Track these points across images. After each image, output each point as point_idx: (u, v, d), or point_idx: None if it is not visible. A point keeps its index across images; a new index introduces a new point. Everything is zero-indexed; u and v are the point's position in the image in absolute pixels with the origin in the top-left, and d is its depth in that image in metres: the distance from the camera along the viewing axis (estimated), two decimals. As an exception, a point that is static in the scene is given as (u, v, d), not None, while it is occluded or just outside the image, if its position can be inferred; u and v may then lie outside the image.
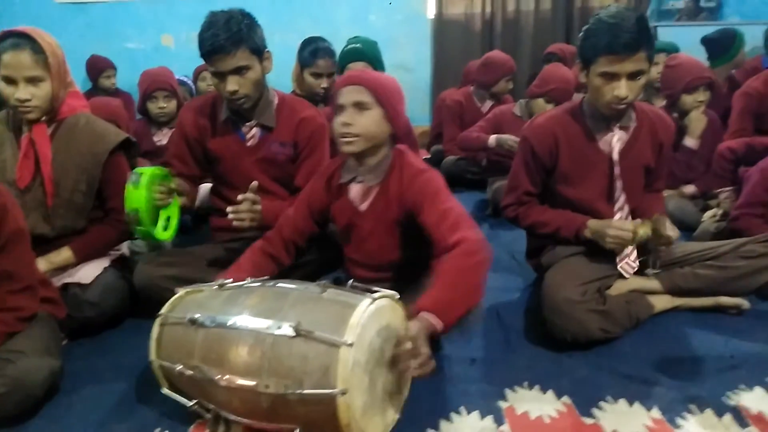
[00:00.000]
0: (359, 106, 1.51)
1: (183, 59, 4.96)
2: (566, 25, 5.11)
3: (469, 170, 3.65)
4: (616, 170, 1.87)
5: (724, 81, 3.74)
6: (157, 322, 1.43)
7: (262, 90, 1.97)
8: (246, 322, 1.28)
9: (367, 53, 2.48)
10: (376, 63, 2.49)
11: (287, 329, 1.23)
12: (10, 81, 1.79)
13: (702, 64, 2.79)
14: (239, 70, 1.85)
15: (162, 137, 3.07)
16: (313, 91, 2.92)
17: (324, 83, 2.87)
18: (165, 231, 1.91)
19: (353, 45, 2.51)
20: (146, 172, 1.81)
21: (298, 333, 1.22)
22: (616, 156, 1.86)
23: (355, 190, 1.64)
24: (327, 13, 5.10)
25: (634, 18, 1.68)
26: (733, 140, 2.64)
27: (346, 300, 1.29)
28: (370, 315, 1.24)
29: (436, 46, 5.15)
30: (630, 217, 1.92)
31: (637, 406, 1.46)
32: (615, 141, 1.86)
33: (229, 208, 1.78)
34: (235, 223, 1.78)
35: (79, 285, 1.86)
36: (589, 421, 1.42)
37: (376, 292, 1.33)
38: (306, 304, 1.30)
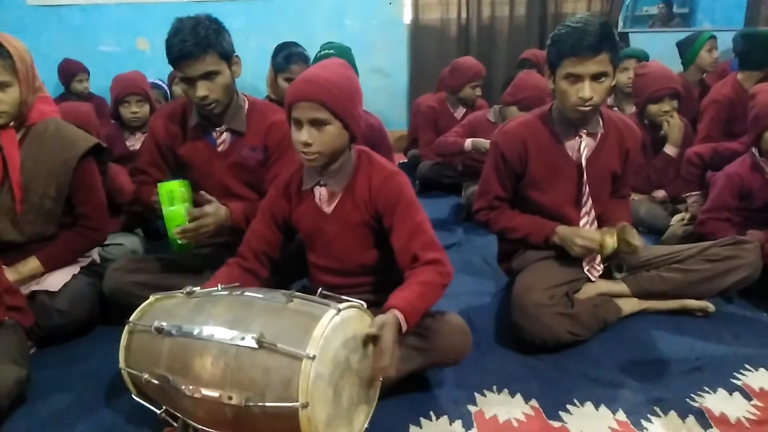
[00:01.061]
0: (317, 123, 1.46)
1: (159, 62, 4.83)
2: (540, 31, 5.16)
3: (445, 174, 3.65)
4: (584, 176, 1.90)
5: (696, 85, 3.81)
6: (126, 329, 1.43)
7: (232, 95, 1.97)
8: (211, 332, 1.28)
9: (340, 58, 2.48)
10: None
11: (250, 341, 1.22)
12: (-24, 87, 1.77)
13: (670, 73, 2.82)
14: (208, 75, 1.85)
15: (135, 142, 3.04)
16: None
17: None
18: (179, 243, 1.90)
19: (326, 51, 2.52)
20: (174, 187, 1.82)
21: (261, 345, 1.21)
22: (584, 161, 1.89)
23: (319, 193, 1.63)
24: (303, 18, 5.09)
25: (597, 23, 1.73)
26: (701, 146, 2.69)
27: (311, 311, 1.28)
28: (335, 326, 1.24)
29: (412, 51, 5.16)
30: (596, 223, 1.96)
31: (603, 408, 1.49)
32: (582, 147, 1.89)
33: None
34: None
35: (47, 292, 1.84)
36: (556, 424, 1.45)
37: (344, 302, 1.34)
38: (271, 314, 1.30)
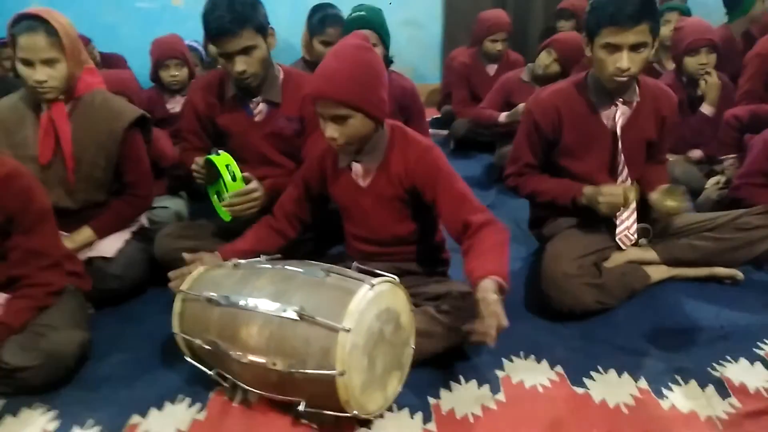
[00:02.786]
0: (338, 118, 1.50)
1: (193, 19, 4.87)
2: (581, -21, 5.00)
3: (480, 133, 3.65)
4: (619, 144, 1.92)
5: (741, 37, 3.69)
6: (179, 297, 1.54)
7: (268, 67, 2.02)
8: (256, 303, 1.38)
9: (372, 21, 2.48)
10: (382, 30, 2.50)
11: (292, 313, 1.32)
12: (28, 63, 1.85)
13: (707, 26, 2.76)
14: (246, 50, 1.89)
15: (175, 104, 3.13)
16: (322, 58, 2.94)
17: (333, 50, 2.89)
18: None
19: (358, 13, 2.51)
20: (230, 161, 1.90)
21: (302, 317, 1.31)
22: (619, 130, 1.90)
23: (355, 168, 1.68)
24: (337, -30, 5.03)
25: None
26: (739, 108, 2.64)
27: (347, 286, 1.37)
28: (369, 301, 1.33)
29: (446, 2, 5.07)
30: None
31: (625, 376, 1.56)
32: (618, 115, 1.89)
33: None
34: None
35: (103, 258, 1.97)
36: (579, 390, 1.52)
37: (378, 276, 1.42)
38: (310, 288, 1.39)
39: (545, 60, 3.13)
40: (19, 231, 1.63)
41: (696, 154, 2.89)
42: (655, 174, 2.03)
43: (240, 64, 1.90)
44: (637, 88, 1.91)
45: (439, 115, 4.64)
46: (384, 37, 2.51)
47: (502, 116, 3.20)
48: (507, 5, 5.03)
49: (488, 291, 1.33)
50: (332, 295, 1.36)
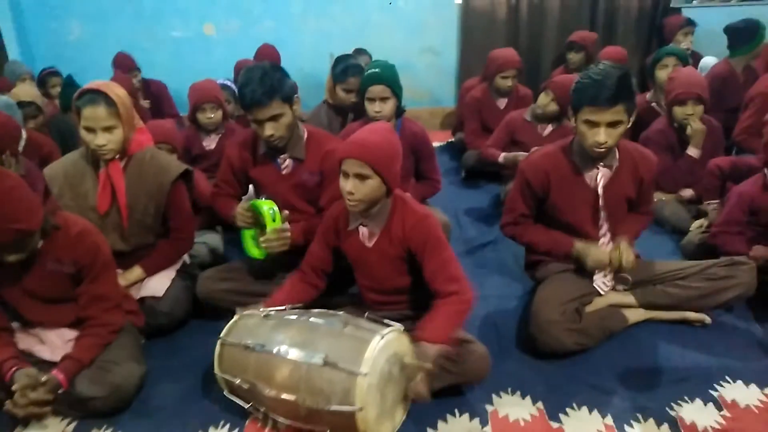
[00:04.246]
0: (360, 177, 1.79)
1: (223, 46, 5.29)
2: (591, 12, 5.23)
3: (489, 164, 3.88)
4: (600, 202, 2.18)
5: (742, 71, 3.88)
6: (219, 342, 1.86)
7: (293, 129, 2.32)
8: (287, 350, 1.70)
9: (385, 77, 2.76)
10: (394, 85, 2.78)
11: (318, 360, 1.63)
12: (90, 130, 2.17)
13: (697, 79, 2.98)
14: (274, 118, 2.20)
15: (210, 142, 3.46)
16: (344, 103, 3.27)
17: (353, 98, 3.20)
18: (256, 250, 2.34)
19: (373, 70, 2.79)
20: (273, 206, 2.25)
21: (326, 363, 1.62)
22: (600, 191, 2.17)
23: (362, 231, 1.97)
24: (358, 0, 5.31)
25: (616, 76, 1.95)
26: (722, 158, 2.88)
27: (362, 336, 1.68)
28: (380, 348, 1.63)
29: (462, 31, 5.34)
30: (613, 237, 2.24)
31: (595, 413, 1.84)
32: (599, 178, 2.16)
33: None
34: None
35: (153, 297, 2.30)
36: (555, 425, 1.80)
37: (386, 326, 1.72)
38: (331, 338, 1.70)
39: (544, 100, 3.38)
40: (87, 279, 1.95)
41: (687, 193, 3.13)
42: (627, 224, 2.27)
43: (269, 129, 2.21)
44: (617, 152, 2.16)
45: (452, 140, 4.91)
46: (396, 90, 2.80)
47: (501, 157, 3.49)
48: (520, 36, 5.28)
49: (423, 356, 1.65)
50: (350, 345, 1.66)
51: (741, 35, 3.84)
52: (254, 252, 2.33)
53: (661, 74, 3.59)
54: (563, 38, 4.90)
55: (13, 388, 1.77)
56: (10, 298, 1.94)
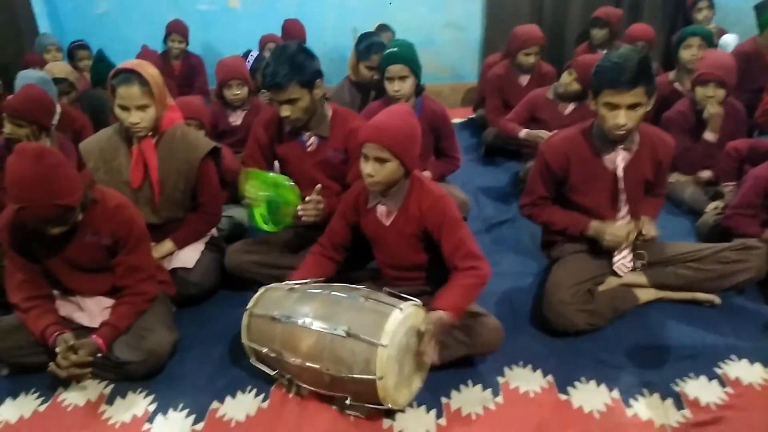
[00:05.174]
0: (380, 160, 1.86)
1: (248, 20, 5.34)
2: (617, -14, 5.16)
3: (509, 142, 3.92)
4: (620, 184, 2.23)
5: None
6: (246, 313, 1.97)
7: (312, 111, 2.39)
8: (311, 322, 1.81)
9: (403, 56, 2.81)
10: (413, 64, 2.83)
11: (341, 331, 1.74)
12: (124, 108, 2.27)
13: (722, 61, 2.97)
14: (290, 101, 2.29)
15: (236, 118, 3.55)
16: (366, 80, 3.33)
17: (376, 75, 3.26)
18: (266, 224, 2.37)
19: (392, 49, 2.84)
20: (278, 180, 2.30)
21: (349, 334, 1.73)
22: (620, 173, 2.21)
23: (380, 209, 2.06)
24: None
25: (636, 59, 1.98)
26: (740, 140, 2.89)
27: (382, 310, 1.78)
28: (399, 322, 1.73)
29: (487, 6, 5.30)
30: (631, 218, 2.30)
31: (602, 387, 1.92)
32: (619, 160, 2.20)
33: (299, 208, 2.27)
34: (303, 219, 2.28)
35: (184, 268, 2.42)
36: (563, 397, 1.90)
37: (405, 300, 1.82)
38: (353, 311, 1.80)
39: (566, 79, 3.40)
40: (123, 251, 2.07)
41: (705, 174, 3.15)
42: (647, 205, 2.34)
43: (284, 111, 2.31)
44: (637, 135, 2.20)
45: (474, 116, 4.93)
46: (415, 69, 2.85)
47: (522, 132, 3.52)
48: (544, 11, 5.24)
49: (432, 322, 1.72)
50: (371, 318, 1.76)
51: (764, 8, 3.80)
52: (265, 226, 2.35)
53: (685, 54, 3.57)
54: (588, 14, 4.84)
55: (57, 350, 1.91)
56: (52, 267, 2.07)
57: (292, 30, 4.60)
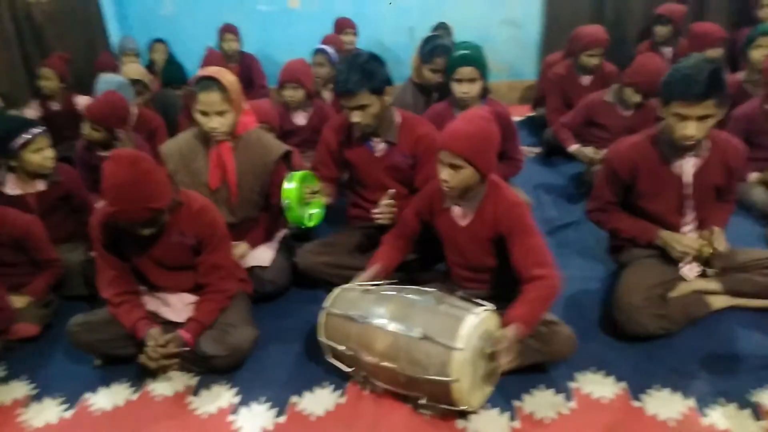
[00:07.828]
0: (454, 166, 1.90)
1: (307, 19, 5.44)
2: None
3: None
4: (688, 191, 2.22)
5: None
6: (323, 312, 2.04)
7: (381, 117, 2.45)
8: (387, 323, 1.88)
9: (474, 59, 2.83)
10: (482, 67, 2.85)
11: (417, 333, 1.80)
12: (204, 114, 2.38)
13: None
14: (360, 107, 2.36)
15: (299, 118, 3.64)
16: (429, 83, 3.37)
17: (439, 78, 3.29)
18: (309, 220, 2.50)
19: (462, 51, 2.86)
20: (297, 173, 2.40)
21: (424, 337, 1.78)
22: (688, 179, 2.20)
23: (456, 210, 2.10)
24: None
25: (708, 70, 1.95)
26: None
27: (457, 314, 1.82)
28: (474, 326, 1.78)
29: (547, 4, 5.26)
30: (698, 224, 2.29)
31: (677, 395, 1.92)
32: (690, 167, 2.19)
33: (374, 210, 2.36)
34: (379, 221, 2.36)
35: (260, 267, 2.52)
36: (636, 404, 1.91)
37: (479, 305, 1.86)
38: (428, 314, 1.86)
39: (628, 95, 3.37)
40: (206, 250, 2.18)
41: (777, 176, 3.08)
42: (717, 213, 2.31)
43: (354, 117, 2.38)
44: (708, 142, 2.17)
45: (533, 114, 4.90)
46: (483, 72, 2.87)
47: (572, 148, 3.55)
48: (605, 8, 5.16)
49: (507, 336, 1.72)
50: (446, 321, 1.81)
51: None
52: (304, 221, 2.46)
53: (755, 54, 3.48)
54: (650, 10, 4.77)
55: (148, 343, 2.02)
56: (140, 265, 2.19)
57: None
